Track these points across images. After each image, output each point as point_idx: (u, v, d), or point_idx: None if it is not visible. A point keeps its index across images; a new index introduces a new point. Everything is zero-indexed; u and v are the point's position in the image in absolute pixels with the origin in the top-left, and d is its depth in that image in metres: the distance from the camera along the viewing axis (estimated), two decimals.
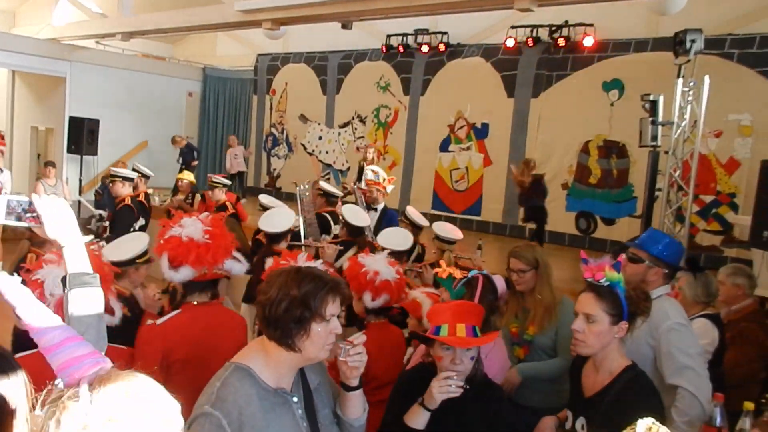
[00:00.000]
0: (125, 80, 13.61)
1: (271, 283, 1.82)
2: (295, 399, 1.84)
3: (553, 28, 9.80)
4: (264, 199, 6.55)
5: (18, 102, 14.05)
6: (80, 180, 11.95)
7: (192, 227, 2.66)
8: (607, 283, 2.25)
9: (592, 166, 9.57)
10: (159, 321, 2.61)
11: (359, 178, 9.57)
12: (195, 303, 2.66)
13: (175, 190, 8.89)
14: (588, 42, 9.41)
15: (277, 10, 8.97)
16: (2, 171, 9.05)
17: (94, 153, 11.84)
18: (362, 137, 12.30)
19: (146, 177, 7.47)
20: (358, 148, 11.98)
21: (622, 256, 2.72)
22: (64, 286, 1.66)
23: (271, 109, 14.19)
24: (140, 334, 2.59)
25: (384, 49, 11.84)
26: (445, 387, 2.12)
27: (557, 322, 3.08)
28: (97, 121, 11.85)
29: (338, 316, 1.86)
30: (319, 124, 13.26)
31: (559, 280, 6.69)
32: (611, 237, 9.14)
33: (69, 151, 11.60)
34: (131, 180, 6.70)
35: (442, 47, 11.13)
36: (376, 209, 6.59)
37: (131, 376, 1.07)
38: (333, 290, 1.81)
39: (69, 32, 12.53)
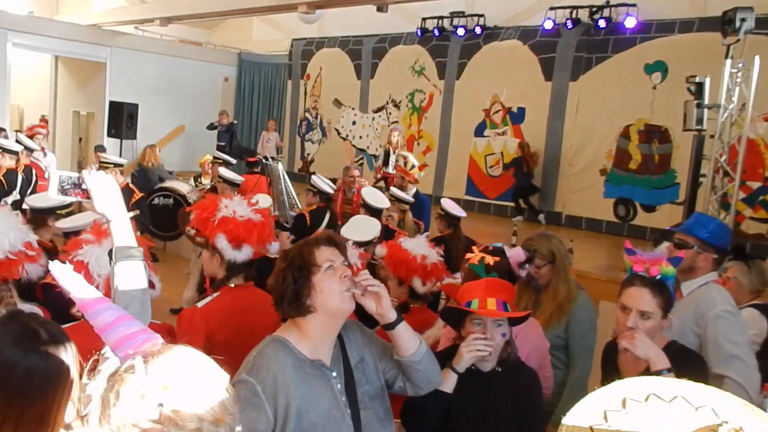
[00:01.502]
0: (163, 65, 13.77)
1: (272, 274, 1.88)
2: (334, 373, 1.83)
3: (594, 9, 9.55)
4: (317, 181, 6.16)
5: (60, 87, 14.36)
6: None
7: (241, 207, 2.66)
8: (659, 277, 2.17)
9: (632, 151, 9.34)
10: (200, 304, 2.59)
11: (385, 163, 9.55)
12: (232, 285, 2.64)
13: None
14: (630, 23, 9.15)
15: None
16: (46, 154, 9.22)
17: (133, 137, 12.01)
18: (396, 122, 12.22)
19: (30, 150, 7.53)
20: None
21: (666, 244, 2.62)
22: (111, 259, 1.72)
23: (305, 93, 14.19)
24: (182, 318, 2.58)
25: (419, 33, 11.70)
26: (473, 346, 2.10)
27: (566, 320, 2.95)
28: (136, 106, 12.01)
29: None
30: (353, 108, 13.22)
31: (595, 268, 6.62)
32: (651, 224, 8.92)
33: (109, 135, 11.79)
34: (14, 153, 6.74)
35: (478, 30, 10.95)
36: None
37: (180, 348, 1.14)
38: (315, 242, 1.84)
39: (109, 18, 12.72)
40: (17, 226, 2.31)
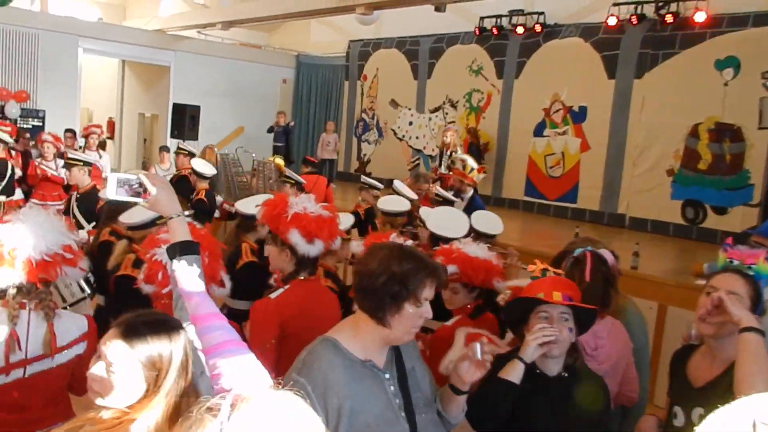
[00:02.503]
0: (224, 68, 14.09)
1: (372, 255, 1.85)
2: (387, 375, 1.84)
3: (660, 4, 9.22)
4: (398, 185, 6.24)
5: (127, 90, 14.88)
6: None
7: (309, 203, 2.73)
8: (752, 273, 2.05)
9: (702, 151, 8.96)
10: (272, 295, 2.66)
11: (440, 163, 9.51)
12: (301, 278, 2.69)
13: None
14: (699, 17, 8.78)
15: None
16: (101, 155, 9.49)
17: (195, 138, 12.29)
18: (453, 122, 12.12)
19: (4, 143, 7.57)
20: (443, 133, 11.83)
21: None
22: (170, 256, 1.78)
23: (362, 94, 14.25)
24: (256, 309, 2.64)
25: (477, 32, 11.57)
26: (539, 333, 2.05)
27: None
28: (198, 108, 12.31)
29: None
30: (409, 109, 13.18)
31: (662, 272, 6.37)
32: (722, 227, 8.51)
33: (172, 136, 12.11)
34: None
35: (538, 28, 10.74)
36: (462, 198, 6.57)
37: (277, 396, 1.01)
38: (432, 274, 1.81)
39: (174, 23, 13.09)
40: (57, 229, 2.33)
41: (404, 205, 5.37)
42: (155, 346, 1.52)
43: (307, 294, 2.69)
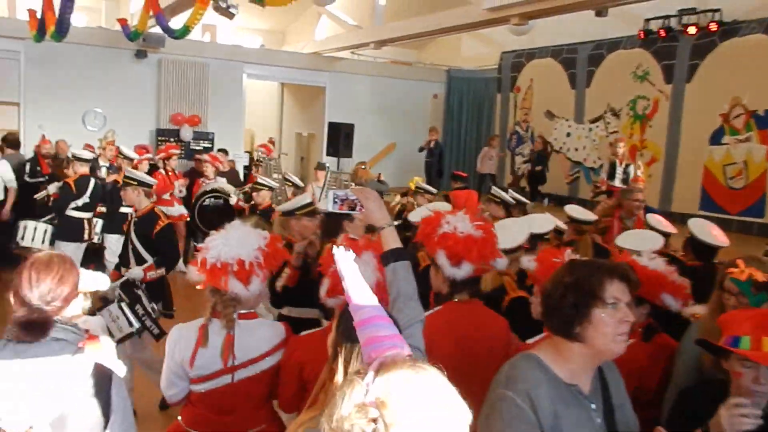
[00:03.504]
0: (376, 86, 14.39)
1: (549, 279, 1.81)
2: (593, 406, 1.73)
3: None
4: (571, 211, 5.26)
5: (285, 111, 15.66)
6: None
7: (462, 223, 2.58)
8: None
9: None
10: None
11: (610, 176, 9.06)
12: (456, 300, 2.56)
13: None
14: None
15: (526, 4, 8.63)
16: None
17: (349, 155, 12.59)
18: (616, 131, 11.40)
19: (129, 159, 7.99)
20: (611, 144, 11.13)
21: None
22: (384, 262, 1.97)
23: (515, 106, 13.87)
24: None
25: (641, 35, 10.81)
26: (737, 418, 1.71)
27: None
28: (352, 126, 12.61)
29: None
30: (567, 120, 12.60)
31: None
32: None
33: (328, 153, 12.48)
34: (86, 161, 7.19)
35: (713, 27, 9.81)
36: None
37: (420, 367, 1.11)
38: (612, 272, 1.70)
39: (329, 45, 13.57)
40: (245, 244, 2.39)
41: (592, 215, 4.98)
42: None
43: (461, 317, 2.54)
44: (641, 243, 3.52)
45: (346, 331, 1.64)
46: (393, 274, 1.94)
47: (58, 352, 1.82)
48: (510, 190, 6.12)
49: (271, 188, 6.61)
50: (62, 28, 8.20)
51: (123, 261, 4.79)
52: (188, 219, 8.55)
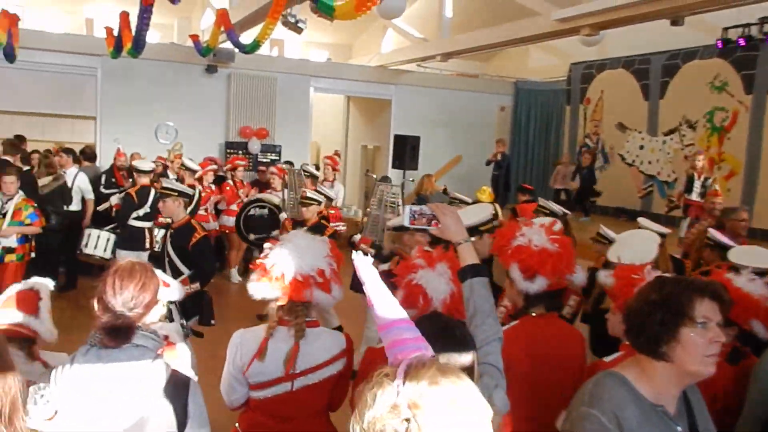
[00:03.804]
0: (441, 99, 14.34)
1: (635, 295, 1.78)
2: (679, 428, 1.67)
3: None
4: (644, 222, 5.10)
5: (351, 123, 15.80)
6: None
7: (538, 235, 2.56)
8: None
9: None
10: None
11: (688, 189, 8.80)
12: (533, 315, 2.54)
13: None
14: None
15: (597, 15, 8.42)
16: (333, 185, 10.01)
17: (415, 168, 12.54)
18: (692, 144, 10.95)
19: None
20: (686, 157, 10.71)
21: None
22: (461, 278, 1.96)
23: (585, 119, 13.54)
24: None
25: (719, 44, 10.37)
26: None
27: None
28: (418, 138, 12.57)
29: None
30: (639, 132, 12.21)
31: None
32: None
33: (393, 166, 12.49)
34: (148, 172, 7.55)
35: None
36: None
37: (447, 369, 1.15)
38: (701, 290, 1.64)
39: (395, 58, 13.62)
40: (317, 253, 2.40)
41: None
42: None
43: (538, 332, 2.52)
44: (757, 259, 3.35)
45: None
46: (470, 290, 1.94)
47: (138, 358, 1.86)
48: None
49: (320, 203, 6.49)
50: (139, 44, 8.53)
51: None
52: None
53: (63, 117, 12.48)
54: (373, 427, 1.10)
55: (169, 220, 5.12)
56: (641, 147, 12.16)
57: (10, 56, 9.46)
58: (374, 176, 9.57)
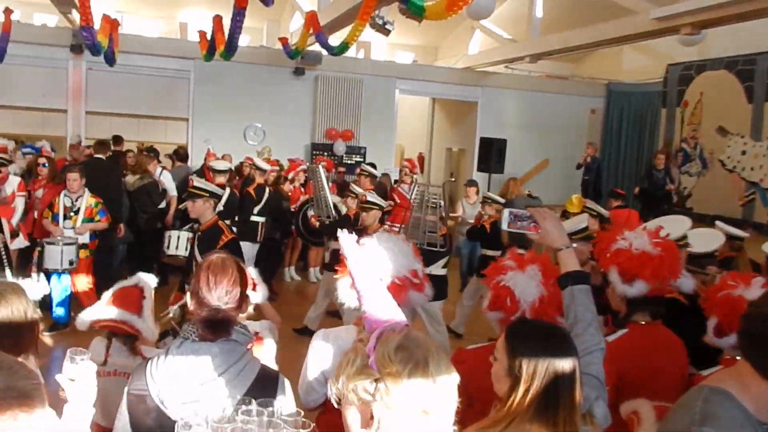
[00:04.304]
0: (529, 101, 14.04)
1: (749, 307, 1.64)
2: None
3: None
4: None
5: (436, 126, 15.73)
6: None
7: (640, 239, 2.50)
8: None
9: None
10: (609, 338, 2.39)
11: None
12: (642, 323, 2.49)
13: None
14: None
15: (699, 13, 7.99)
16: (410, 188, 9.91)
17: (501, 171, 12.37)
18: None
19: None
20: None
21: None
22: (561, 285, 1.95)
23: (682, 122, 12.87)
24: None
25: None
26: None
27: None
28: (504, 141, 12.37)
29: None
30: (742, 137, 11.47)
31: None
32: None
33: (479, 169, 12.37)
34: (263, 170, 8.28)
35: None
36: None
37: (416, 334, 1.28)
38: None
39: (482, 60, 13.44)
40: (407, 254, 2.35)
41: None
42: None
43: (646, 340, 2.46)
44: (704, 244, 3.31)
45: (517, 347, 1.64)
46: (571, 298, 1.90)
47: (229, 352, 1.87)
48: None
49: (382, 207, 6.27)
50: (231, 47, 8.79)
51: (187, 278, 4.25)
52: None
53: (157, 118, 13.06)
54: (346, 386, 1.20)
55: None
56: (743, 152, 11.42)
57: (110, 60, 9.98)
58: (453, 180, 9.50)
